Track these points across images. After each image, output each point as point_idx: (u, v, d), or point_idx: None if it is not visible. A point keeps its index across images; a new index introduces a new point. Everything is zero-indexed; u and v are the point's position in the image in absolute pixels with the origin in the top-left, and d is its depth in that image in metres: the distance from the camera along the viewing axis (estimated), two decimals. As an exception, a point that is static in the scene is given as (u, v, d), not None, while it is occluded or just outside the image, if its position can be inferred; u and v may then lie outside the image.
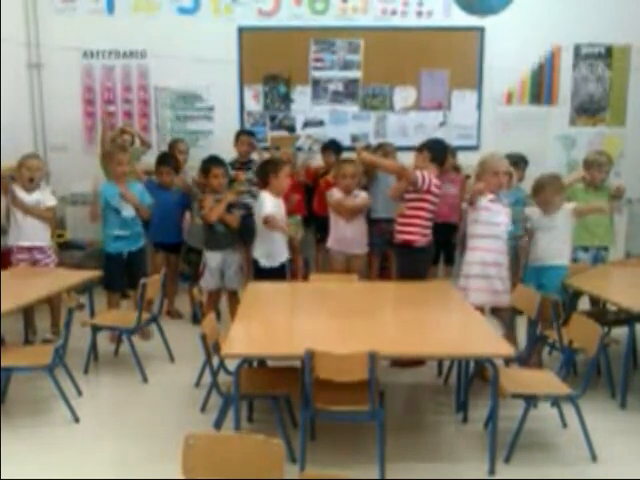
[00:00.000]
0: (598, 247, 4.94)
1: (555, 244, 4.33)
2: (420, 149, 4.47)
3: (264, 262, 4.58)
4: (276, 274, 4.54)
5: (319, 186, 5.60)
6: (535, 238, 4.41)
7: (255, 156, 5.98)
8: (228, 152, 5.79)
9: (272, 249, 4.57)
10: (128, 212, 4.81)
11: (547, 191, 4.28)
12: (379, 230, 5.43)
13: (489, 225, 4.17)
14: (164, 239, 5.41)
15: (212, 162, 5.02)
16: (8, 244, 4.84)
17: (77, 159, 6.34)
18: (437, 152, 4.45)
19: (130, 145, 5.78)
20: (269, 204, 4.45)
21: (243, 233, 5.09)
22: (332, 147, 5.95)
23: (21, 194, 4.71)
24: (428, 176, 4.28)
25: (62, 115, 6.38)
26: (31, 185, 4.74)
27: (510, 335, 4.10)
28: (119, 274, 4.85)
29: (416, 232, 4.36)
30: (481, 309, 4.15)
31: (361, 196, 5.06)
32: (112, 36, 6.30)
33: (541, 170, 5.28)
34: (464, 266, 4.27)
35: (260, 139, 6.38)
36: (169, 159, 5.52)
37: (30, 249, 4.75)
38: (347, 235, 5.01)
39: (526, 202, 4.94)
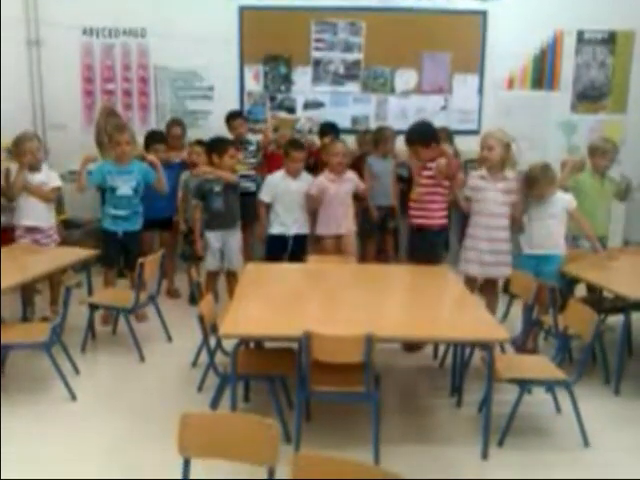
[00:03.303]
0: (598, 237, 4.91)
1: (551, 232, 4.33)
2: (427, 144, 4.36)
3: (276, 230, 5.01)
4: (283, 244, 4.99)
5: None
6: (530, 227, 4.41)
7: (251, 136, 5.94)
8: (227, 132, 5.76)
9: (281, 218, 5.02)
10: (124, 191, 4.77)
11: (541, 185, 4.27)
12: (373, 216, 5.48)
13: (478, 202, 4.41)
14: (155, 215, 5.30)
15: (228, 142, 5.04)
16: (12, 222, 4.84)
17: (76, 137, 6.30)
18: (437, 138, 4.44)
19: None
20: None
21: (244, 213, 5.09)
22: (331, 130, 5.90)
23: (25, 175, 4.69)
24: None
25: (61, 93, 6.34)
26: (36, 165, 4.72)
27: (490, 307, 4.11)
28: (115, 251, 4.83)
29: (432, 216, 4.43)
30: (473, 280, 4.44)
31: (350, 178, 5.07)
32: (112, 14, 6.23)
33: (542, 155, 5.29)
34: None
35: (260, 120, 6.36)
36: (161, 136, 5.54)
37: (31, 229, 4.73)
38: (338, 215, 4.99)
39: None
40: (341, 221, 5.01)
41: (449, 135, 5.63)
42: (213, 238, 4.88)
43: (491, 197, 4.36)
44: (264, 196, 5.07)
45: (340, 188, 5.00)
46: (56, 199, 5.03)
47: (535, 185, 4.28)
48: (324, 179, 5.00)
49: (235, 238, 4.95)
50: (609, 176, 4.97)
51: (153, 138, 5.47)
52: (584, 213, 4.49)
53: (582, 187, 4.80)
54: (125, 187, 4.77)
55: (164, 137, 5.59)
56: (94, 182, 4.80)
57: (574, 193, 4.58)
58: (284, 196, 5.00)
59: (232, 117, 5.85)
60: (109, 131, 4.98)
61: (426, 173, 4.43)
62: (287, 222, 5.02)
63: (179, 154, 5.56)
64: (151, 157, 4.99)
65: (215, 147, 4.94)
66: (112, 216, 4.80)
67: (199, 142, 5.42)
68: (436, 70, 6.45)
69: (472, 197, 4.44)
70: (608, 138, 5.27)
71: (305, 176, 5.10)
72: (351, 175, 5.11)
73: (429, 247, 4.46)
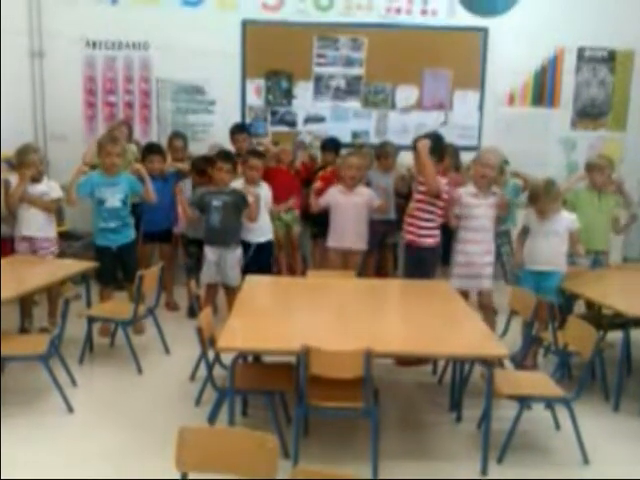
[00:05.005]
0: (597, 251, 4.92)
1: (553, 249, 4.33)
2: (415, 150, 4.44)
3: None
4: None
5: (316, 181, 5.57)
6: (533, 243, 4.41)
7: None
8: (228, 146, 5.78)
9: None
10: (113, 203, 4.74)
11: (543, 200, 4.27)
12: (375, 230, 5.47)
13: (470, 218, 4.44)
14: (155, 228, 5.34)
15: (219, 156, 5.02)
16: (13, 233, 4.83)
17: (77, 149, 6.26)
18: (442, 153, 4.50)
19: (127, 138, 5.75)
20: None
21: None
22: (332, 145, 5.92)
23: (25, 187, 4.69)
24: (442, 184, 4.41)
25: (63, 104, 6.36)
26: (38, 177, 4.74)
27: (489, 321, 4.13)
28: (109, 267, 4.78)
29: (424, 234, 4.45)
30: (465, 294, 4.42)
31: (363, 192, 5.10)
32: (115, 27, 6.27)
33: (542, 172, 5.30)
34: (452, 254, 4.58)
35: (260, 134, 6.37)
36: (158, 148, 5.56)
37: (31, 239, 4.74)
38: (348, 229, 5.03)
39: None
40: (351, 237, 5.05)
41: (455, 151, 5.65)
42: (210, 252, 4.87)
43: (483, 213, 4.43)
44: None
45: (350, 201, 5.03)
46: (57, 210, 5.03)
47: (537, 200, 4.28)
48: (335, 190, 5.07)
49: (233, 254, 4.91)
50: (607, 192, 4.97)
51: (149, 150, 5.49)
52: (583, 231, 4.50)
53: (579, 202, 4.84)
54: (113, 199, 4.74)
55: (160, 149, 5.59)
56: (82, 193, 4.75)
57: (571, 207, 4.63)
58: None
59: (235, 131, 5.89)
60: (102, 141, 4.96)
61: (420, 188, 4.46)
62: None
63: (174, 164, 5.58)
64: (137, 166, 4.99)
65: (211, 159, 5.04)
66: (102, 229, 4.77)
67: (199, 158, 5.47)
68: (437, 86, 6.48)
69: (462, 214, 4.45)
70: (604, 155, 5.30)
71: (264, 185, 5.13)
72: (364, 190, 5.13)
73: (418, 264, 4.47)
